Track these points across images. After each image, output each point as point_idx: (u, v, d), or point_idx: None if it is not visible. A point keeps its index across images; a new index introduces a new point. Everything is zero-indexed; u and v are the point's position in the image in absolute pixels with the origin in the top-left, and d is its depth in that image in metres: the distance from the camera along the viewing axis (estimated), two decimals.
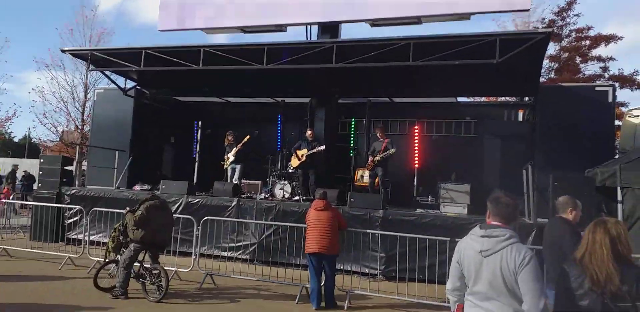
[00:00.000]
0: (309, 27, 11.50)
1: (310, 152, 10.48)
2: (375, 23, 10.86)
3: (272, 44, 9.22)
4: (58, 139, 22.36)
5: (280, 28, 11.61)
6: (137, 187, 11.44)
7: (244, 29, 11.96)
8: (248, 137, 11.23)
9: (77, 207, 9.79)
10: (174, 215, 7.64)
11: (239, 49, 9.50)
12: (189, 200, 9.76)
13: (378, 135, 10.68)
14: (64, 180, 11.21)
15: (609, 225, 2.74)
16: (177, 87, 13.17)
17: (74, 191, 10.79)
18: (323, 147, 10.45)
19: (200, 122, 13.95)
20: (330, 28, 11.14)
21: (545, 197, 8.06)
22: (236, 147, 11.21)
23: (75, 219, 10.48)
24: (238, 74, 10.47)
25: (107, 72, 12.84)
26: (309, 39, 11.51)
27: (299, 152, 10.69)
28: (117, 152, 11.96)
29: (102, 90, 13.41)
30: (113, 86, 12.66)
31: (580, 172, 7.86)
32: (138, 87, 12.79)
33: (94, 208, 9.29)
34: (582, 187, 7.32)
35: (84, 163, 14.98)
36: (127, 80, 12.54)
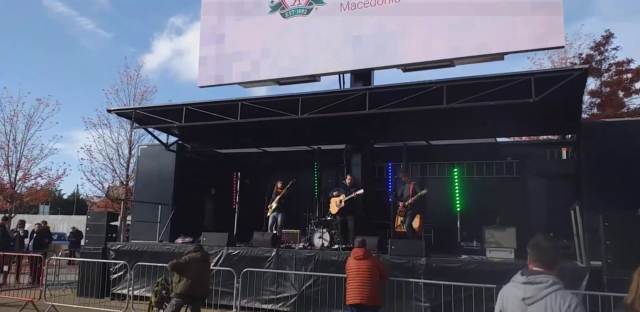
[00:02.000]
0: (341, 75, 11.78)
1: (349, 197, 10.40)
2: (407, 68, 11.02)
3: (306, 94, 9.46)
4: (104, 195, 23.13)
5: (314, 78, 11.95)
6: (179, 240, 11.57)
7: (279, 81, 12.37)
8: (292, 182, 11.33)
9: (122, 262, 9.95)
10: (215, 267, 7.64)
11: (274, 100, 9.78)
12: (229, 251, 9.76)
13: (402, 179, 10.56)
14: (110, 235, 11.48)
15: None
16: (217, 140, 13.57)
17: (118, 246, 11.00)
18: (361, 191, 10.36)
19: (239, 173, 14.20)
20: (362, 75, 11.36)
21: (596, 239, 7.62)
22: (279, 193, 11.30)
23: (120, 273, 10.62)
24: (274, 124, 10.71)
25: (150, 129, 13.41)
26: (342, 86, 11.76)
27: (338, 199, 10.62)
28: (160, 206, 12.23)
29: (146, 146, 13.96)
30: (156, 142, 13.16)
31: (633, 210, 7.44)
32: (180, 141, 13.25)
33: (137, 262, 9.40)
34: (634, 227, 6.92)
35: (129, 218, 15.35)
36: (169, 136, 13.03)
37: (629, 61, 18.90)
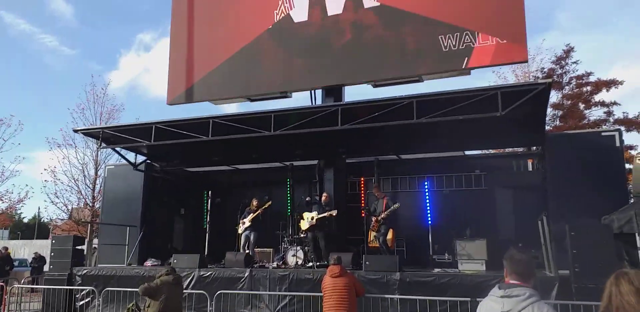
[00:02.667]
0: (313, 91, 11.84)
1: (321, 215, 10.37)
2: (377, 84, 11.17)
3: (278, 111, 9.47)
4: (68, 217, 22.39)
5: (285, 94, 11.97)
6: (148, 263, 11.27)
7: (250, 98, 12.34)
8: (269, 203, 11.20)
9: (89, 287, 9.60)
10: (187, 290, 7.44)
11: (246, 117, 9.73)
12: (201, 273, 9.55)
13: (375, 194, 10.63)
14: (76, 260, 11.07)
15: (631, 276, 2.65)
16: (187, 158, 13.37)
17: (85, 271, 10.62)
18: (335, 211, 10.34)
19: (209, 192, 14.00)
20: (333, 91, 11.44)
21: (563, 248, 7.80)
22: (253, 213, 11.16)
23: (87, 300, 10.23)
24: (246, 141, 10.64)
25: (118, 149, 13.11)
26: (313, 102, 11.81)
27: (310, 215, 10.57)
28: (128, 227, 11.91)
29: (113, 167, 13.63)
30: (123, 162, 12.88)
31: (596, 219, 7.66)
32: (148, 161, 13.00)
33: (106, 288, 9.09)
34: (599, 235, 7.11)
35: (95, 241, 14.88)
36: (137, 155, 12.77)
37: (589, 74, 19.69)
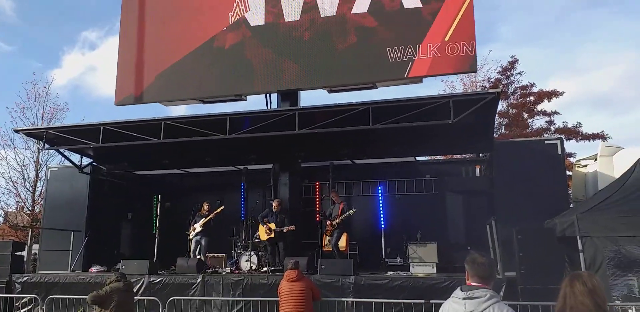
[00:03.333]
0: (268, 95, 11.77)
1: (279, 229, 10.32)
2: (332, 89, 11.27)
3: (234, 113, 9.39)
4: (2, 222, 21.19)
5: (240, 97, 11.84)
6: (93, 269, 10.83)
7: (204, 100, 12.12)
8: (222, 207, 11.01)
9: (30, 295, 9.11)
10: (138, 297, 7.21)
11: (201, 120, 9.56)
12: (151, 279, 9.27)
13: (333, 199, 10.72)
14: (15, 267, 10.48)
15: (584, 278, 2.82)
16: (136, 161, 12.97)
17: (26, 278, 10.08)
18: (293, 227, 10.29)
19: (159, 196, 13.61)
20: (289, 95, 11.41)
21: (510, 251, 8.13)
22: (204, 218, 10.94)
23: (28, 308, 9.70)
24: (200, 144, 10.45)
25: (62, 150, 12.55)
26: (269, 106, 11.75)
27: (267, 226, 10.47)
28: (72, 232, 11.40)
29: (56, 169, 13.02)
30: (67, 164, 12.35)
31: (541, 223, 8.03)
32: (94, 163, 12.51)
33: (49, 296, 8.65)
34: (544, 239, 7.46)
35: (35, 247, 14.16)
36: (83, 157, 12.26)
37: (532, 85, 20.75)
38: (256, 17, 11.68)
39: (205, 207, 11.20)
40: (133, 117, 10.14)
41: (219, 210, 11.03)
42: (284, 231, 10.24)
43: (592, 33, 51.78)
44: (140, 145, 10.14)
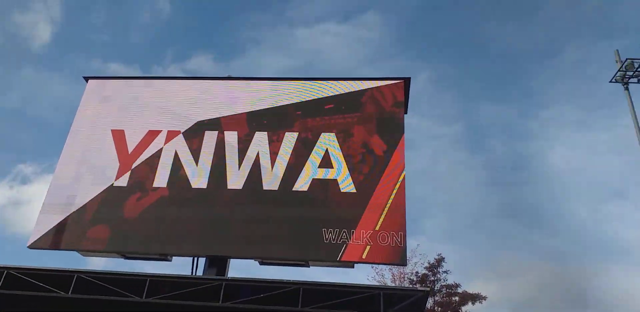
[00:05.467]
0: (196, 258, 11.26)
1: None
2: (264, 261, 10.98)
3: (156, 275, 8.89)
4: None
5: (165, 257, 11.22)
6: None
7: (125, 254, 11.37)
8: None
9: None
10: None
11: (118, 277, 8.95)
12: None
13: None
14: None
15: None
16: None
17: None
18: None
19: None
20: (218, 261, 10.88)
21: None
22: None
23: None
24: (111, 304, 9.48)
25: None
26: (194, 271, 11.13)
27: None
28: None
29: None
30: None
31: None
32: None
33: None
34: None
35: None
36: None
37: (457, 285, 21.32)
38: (201, 180, 11.81)
39: None
40: (43, 264, 9.45)
41: None
42: None
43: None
44: (44, 297, 9.12)
